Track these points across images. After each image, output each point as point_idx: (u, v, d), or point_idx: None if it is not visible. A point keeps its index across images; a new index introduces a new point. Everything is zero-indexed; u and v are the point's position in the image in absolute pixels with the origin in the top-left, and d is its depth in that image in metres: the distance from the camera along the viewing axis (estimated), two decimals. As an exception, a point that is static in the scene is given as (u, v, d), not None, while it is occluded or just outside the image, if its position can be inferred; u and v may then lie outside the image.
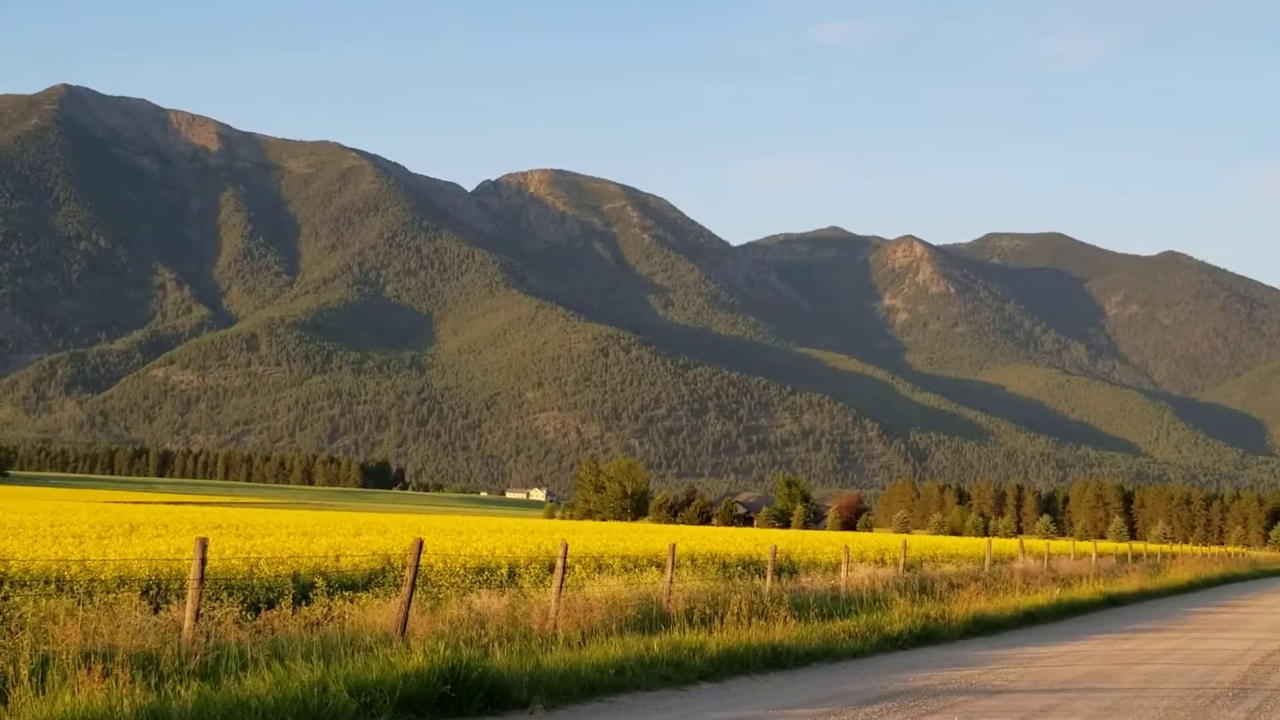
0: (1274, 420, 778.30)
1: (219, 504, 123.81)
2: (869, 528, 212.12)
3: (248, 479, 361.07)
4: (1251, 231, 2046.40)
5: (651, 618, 21.51)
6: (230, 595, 17.71)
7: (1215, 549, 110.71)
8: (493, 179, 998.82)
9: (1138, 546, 68.55)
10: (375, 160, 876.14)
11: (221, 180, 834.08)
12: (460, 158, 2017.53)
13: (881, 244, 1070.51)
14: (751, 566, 34.62)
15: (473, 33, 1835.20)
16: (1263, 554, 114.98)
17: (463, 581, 23.68)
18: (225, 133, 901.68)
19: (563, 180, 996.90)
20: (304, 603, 18.94)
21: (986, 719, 15.57)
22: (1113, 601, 37.23)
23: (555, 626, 19.56)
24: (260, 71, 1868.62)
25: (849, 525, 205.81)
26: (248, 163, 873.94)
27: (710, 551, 38.25)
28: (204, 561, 15.23)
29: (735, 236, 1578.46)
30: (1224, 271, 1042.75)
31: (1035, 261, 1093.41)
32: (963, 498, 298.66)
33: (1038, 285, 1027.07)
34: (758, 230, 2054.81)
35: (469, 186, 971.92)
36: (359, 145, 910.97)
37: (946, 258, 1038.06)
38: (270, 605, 18.66)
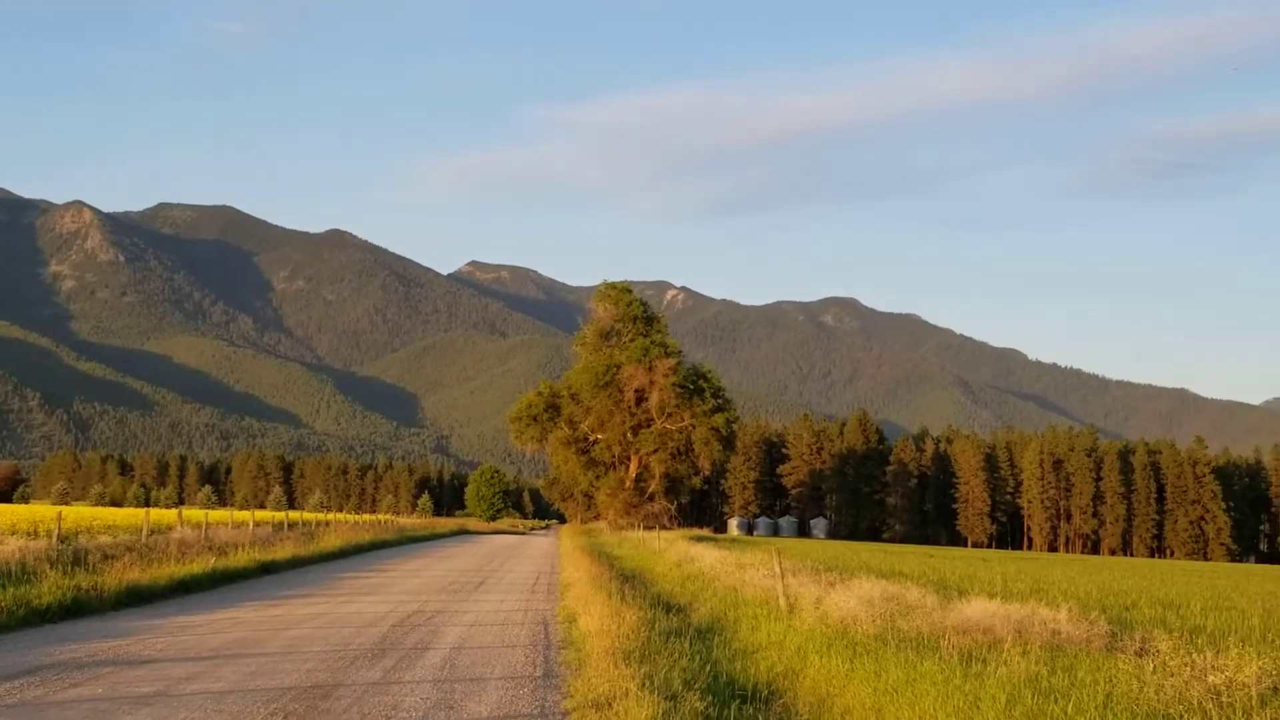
0: (426, 394, 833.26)
1: None
2: (26, 500, 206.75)
3: None
4: (411, 214, 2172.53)
5: None
6: None
7: (368, 517, 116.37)
8: None
9: (294, 515, 70.57)
10: None
11: None
12: None
13: (49, 208, 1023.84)
14: (-120, 543, 32.23)
15: None
16: (410, 520, 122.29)
17: None
18: None
19: None
20: None
21: (131, 689, 15.58)
22: (267, 569, 38.11)
23: None
24: None
25: (4, 497, 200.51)
26: None
27: None
28: None
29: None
30: (385, 251, 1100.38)
31: (206, 233, 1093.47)
32: (125, 469, 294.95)
33: (208, 257, 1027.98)
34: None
35: None
36: None
37: (117, 225, 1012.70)
38: None
